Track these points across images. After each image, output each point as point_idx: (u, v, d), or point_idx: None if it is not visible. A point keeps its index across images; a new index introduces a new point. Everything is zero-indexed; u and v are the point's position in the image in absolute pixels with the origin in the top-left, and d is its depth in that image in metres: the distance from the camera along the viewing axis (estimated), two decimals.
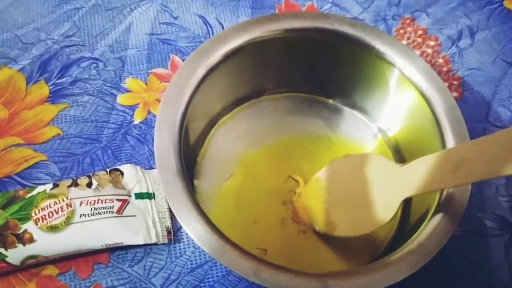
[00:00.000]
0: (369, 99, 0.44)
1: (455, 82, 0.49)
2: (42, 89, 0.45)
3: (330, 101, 0.45)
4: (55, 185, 0.38)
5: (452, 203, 0.34)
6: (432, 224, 0.34)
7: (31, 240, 0.36)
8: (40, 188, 0.38)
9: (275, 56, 0.42)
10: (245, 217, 0.40)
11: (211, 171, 0.41)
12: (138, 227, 0.38)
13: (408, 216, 0.40)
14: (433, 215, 0.34)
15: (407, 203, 0.40)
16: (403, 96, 0.41)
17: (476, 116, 0.47)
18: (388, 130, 0.44)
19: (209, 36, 0.50)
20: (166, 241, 0.39)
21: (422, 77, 0.39)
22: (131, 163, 0.42)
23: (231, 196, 0.41)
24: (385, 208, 0.35)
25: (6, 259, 0.36)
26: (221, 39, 0.39)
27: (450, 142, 0.37)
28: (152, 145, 0.43)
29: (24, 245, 0.36)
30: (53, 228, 0.36)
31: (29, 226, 0.36)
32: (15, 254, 0.36)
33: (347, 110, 0.45)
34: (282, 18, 0.41)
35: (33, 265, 0.37)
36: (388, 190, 0.35)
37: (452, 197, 0.34)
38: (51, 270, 0.38)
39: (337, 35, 0.41)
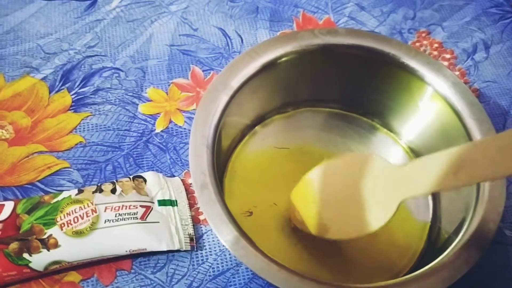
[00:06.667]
0: (400, 116, 0.44)
1: None
2: (65, 98, 0.46)
3: (363, 118, 0.46)
4: (80, 191, 0.38)
5: (485, 218, 0.34)
6: (464, 240, 0.34)
7: (56, 245, 0.36)
8: (65, 194, 0.38)
9: (308, 71, 0.43)
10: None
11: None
12: (161, 234, 0.38)
13: (439, 233, 0.40)
14: (467, 230, 0.34)
15: (435, 219, 0.41)
16: (434, 112, 0.41)
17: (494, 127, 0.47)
18: (418, 146, 0.44)
19: (228, 48, 0.51)
20: (188, 248, 0.39)
21: (452, 92, 0.39)
22: (153, 170, 0.42)
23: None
24: (380, 211, 0.33)
25: (30, 264, 0.36)
26: (255, 52, 0.40)
27: None
28: (174, 153, 0.43)
29: (48, 250, 0.36)
30: (78, 233, 0.36)
31: (54, 231, 0.36)
32: (39, 260, 0.36)
33: (378, 127, 0.46)
34: (317, 33, 0.41)
35: (56, 271, 0.37)
36: (385, 192, 0.33)
37: (486, 212, 0.35)
38: (74, 277, 0.38)
39: (369, 51, 0.41)
